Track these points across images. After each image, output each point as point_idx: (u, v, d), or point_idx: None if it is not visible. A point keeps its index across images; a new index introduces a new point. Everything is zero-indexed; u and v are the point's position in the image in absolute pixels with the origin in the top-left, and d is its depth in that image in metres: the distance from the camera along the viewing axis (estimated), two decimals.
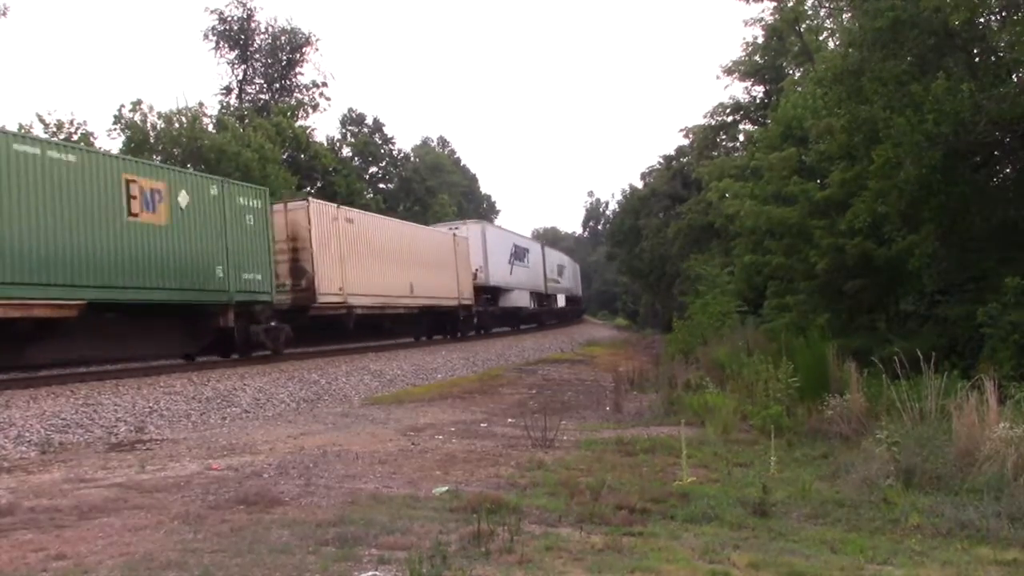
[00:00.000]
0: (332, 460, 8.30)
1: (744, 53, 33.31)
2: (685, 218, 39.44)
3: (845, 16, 18.65)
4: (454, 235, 29.63)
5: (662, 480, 7.56)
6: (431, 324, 28.47)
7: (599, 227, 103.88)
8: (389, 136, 56.86)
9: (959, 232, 13.34)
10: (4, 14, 29.29)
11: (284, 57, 46.52)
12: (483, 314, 32.44)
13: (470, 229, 32.60)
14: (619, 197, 76.53)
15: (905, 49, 13.02)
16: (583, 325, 58.65)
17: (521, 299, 39.08)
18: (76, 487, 6.95)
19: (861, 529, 5.94)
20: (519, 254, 39.00)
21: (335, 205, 21.91)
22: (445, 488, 6.91)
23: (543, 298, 45.89)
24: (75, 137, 30.17)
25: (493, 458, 8.71)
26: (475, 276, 30.81)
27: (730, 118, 36.55)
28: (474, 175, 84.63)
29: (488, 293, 33.40)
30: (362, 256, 21.84)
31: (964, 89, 12.02)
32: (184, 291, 15.29)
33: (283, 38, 46.20)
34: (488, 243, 32.70)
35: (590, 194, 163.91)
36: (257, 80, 46.97)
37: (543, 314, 46.49)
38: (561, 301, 53.05)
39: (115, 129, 33.43)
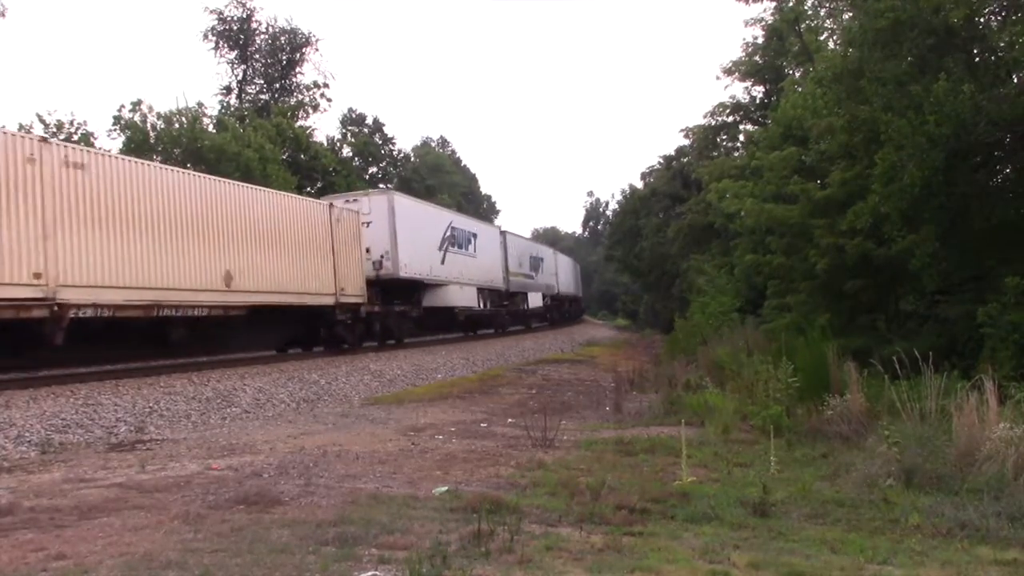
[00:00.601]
0: (332, 460, 8.30)
1: (744, 53, 33.36)
2: (685, 218, 39.48)
3: (845, 16, 18.66)
4: (331, 207, 21.13)
5: (662, 480, 7.56)
6: (291, 331, 20.47)
7: (599, 227, 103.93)
8: (389, 136, 57.08)
9: (959, 232, 13.34)
10: (3, 14, 29.33)
11: (284, 57, 46.57)
12: (389, 316, 24.13)
13: (372, 202, 23.91)
14: (619, 197, 76.65)
15: (905, 49, 13.02)
16: (583, 325, 58.65)
17: (462, 297, 30.07)
18: (76, 487, 6.95)
19: (861, 529, 5.94)
20: (459, 239, 30.14)
21: (36, 136, 13.84)
22: (445, 488, 6.91)
23: (502, 296, 36.45)
24: (75, 137, 30.18)
25: (493, 458, 8.71)
26: (379, 265, 23.15)
27: (730, 118, 36.58)
28: (474, 175, 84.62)
29: (405, 288, 25.26)
30: (105, 224, 13.66)
31: (964, 90, 12.02)
32: None
33: (283, 38, 46.27)
34: (398, 220, 23.91)
35: (590, 194, 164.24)
36: (257, 80, 47.05)
37: (501, 317, 36.63)
38: (534, 301, 42.85)
39: (115, 129, 33.49)
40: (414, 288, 25.91)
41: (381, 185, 53.22)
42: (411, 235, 24.69)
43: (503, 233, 38.64)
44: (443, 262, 28.06)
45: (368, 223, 23.02)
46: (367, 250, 22.69)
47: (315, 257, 19.72)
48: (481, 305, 32.57)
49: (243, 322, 17.40)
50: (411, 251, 24.61)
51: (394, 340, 24.87)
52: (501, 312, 36.40)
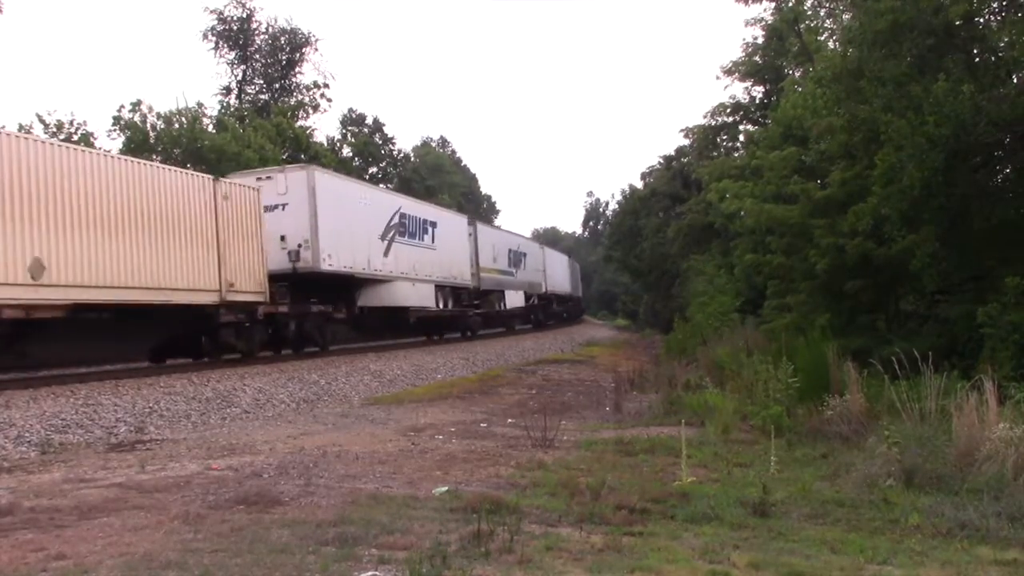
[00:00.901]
0: (332, 460, 8.30)
1: (744, 53, 33.37)
2: (685, 218, 39.48)
3: (845, 16, 18.68)
4: (214, 181, 16.77)
5: (662, 480, 7.57)
6: (156, 337, 16.46)
7: (599, 227, 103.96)
8: (389, 136, 56.95)
9: (959, 232, 13.35)
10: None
11: (284, 57, 46.56)
12: (305, 318, 20.14)
13: (289, 180, 19.66)
14: (619, 197, 76.66)
15: (904, 49, 13.03)
16: (583, 325, 58.67)
17: (415, 295, 25.57)
18: (76, 487, 6.95)
19: (861, 529, 5.94)
20: (411, 227, 25.74)
21: None
22: (445, 488, 6.91)
23: (471, 295, 31.85)
24: (75, 137, 30.23)
25: (493, 458, 8.71)
26: (296, 255, 19.20)
27: (730, 118, 36.56)
28: (474, 175, 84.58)
29: (332, 284, 21.20)
30: None
31: (964, 90, 12.03)
32: None
33: (283, 38, 46.25)
34: (321, 202, 19.71)
35: (590, 194, 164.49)
36: (257, 80, 47.05)
37: (468, 319, 32.02)
38: (513, 300, 37.89)
39: (115, 129, 33.51)
40: (345, 284, 21.79)
41: (381, 186, 53.01)
42: (339, 220, 20.48)
43: (473, 223, 33.74)
44: (387, 254, 23.68)
45: (283, 205, 19.33)
46: (282, 238, 19.14)
47: (187, 243, 15.53)
48: (441, 304, 28.09)
49: (67, 326, 13.40)
50: (338, 239, 20.43)
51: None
52: (467, 313, 31.59)
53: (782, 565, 4.84)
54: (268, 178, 19.67)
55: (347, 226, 20.98)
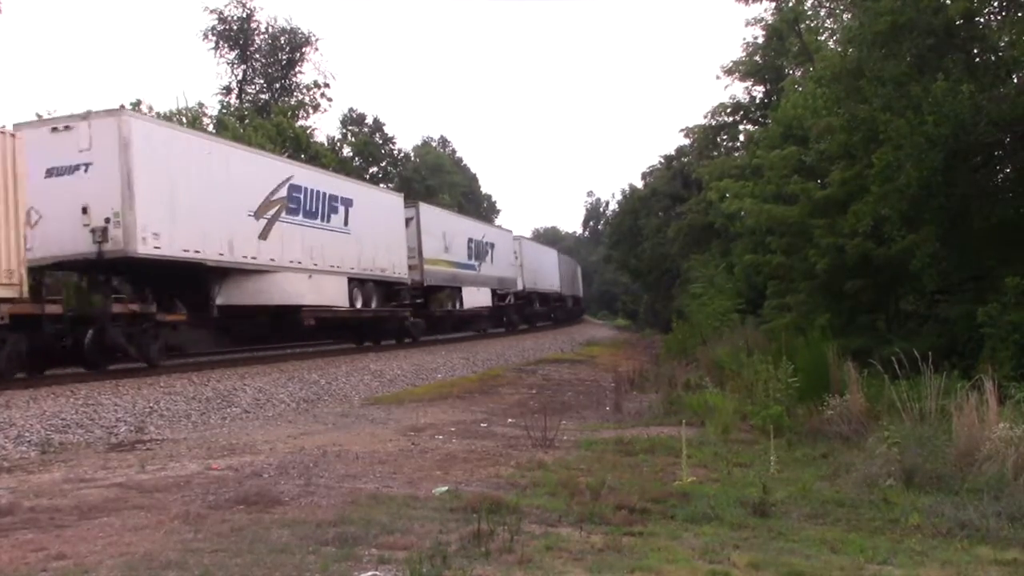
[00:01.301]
0: (332, 460, 8.30)
1: (744, 53, 33.41)
2: (685, 218, 39.49)
3: (845, 16, 18.70)
4: None
5: (662, 480, 7.57)
6: None
7: (599, 227, 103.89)
8: (389, 136, 56.92)
9: (959, 232, 13.36)
10: None
11: (284, 57, 46.49)
12: (103, 321, 14.18)
13: (94, 130, 14.44)
14: (619, 197, 76.55)
15: (904, 49, 13.04)
16: (583, 325, 58.70)
17: (311, 292, 19.82)
18: (76, 487, 6.95)
19: (861, 529, 5.94)
20: (308, 204, 20.02)
21: None
22: (445, 488, 6.91)
23: (412, 293, 26.09)
24: None
25: (493, 458, 8.72)
26: (102, 234, 14.11)
27: (730, 118, 36.60)
28: (474, 175, 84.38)
29: (170, 275, 15.74)
30: None
31: (964, 90, 12.05)
32: None
33: (283, 38, 46.19)
34: (138, 158, 14.50)
35: (590, 194, 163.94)
36: (257, 80, 46.94)
37: (401, 320, 25.71)
38: (474, 299, 31.83)
39: None
40: (192, 275, 16.24)
41: (381, 186, 52.68)
42: (175, 187, 15.32)
43: (415, 204, 27.62)
44: (265, 236, 18.07)
45: (86, 165, 14.39)
46: (84, 210, 14.21)
47: None
48: (360, 303, 22.26)
49: None
50: (171, 213, 15.16)
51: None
52: (400, 313, 25.33)
53: (782, 565, 4.84)
54: (66, 128, 14.64)
55: (190, 196, 15.69)
